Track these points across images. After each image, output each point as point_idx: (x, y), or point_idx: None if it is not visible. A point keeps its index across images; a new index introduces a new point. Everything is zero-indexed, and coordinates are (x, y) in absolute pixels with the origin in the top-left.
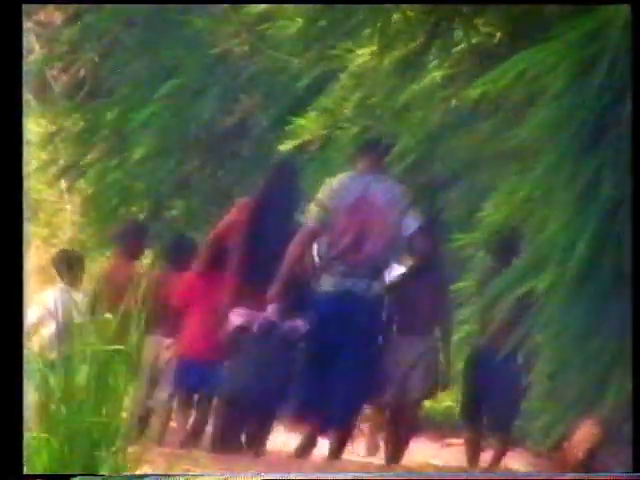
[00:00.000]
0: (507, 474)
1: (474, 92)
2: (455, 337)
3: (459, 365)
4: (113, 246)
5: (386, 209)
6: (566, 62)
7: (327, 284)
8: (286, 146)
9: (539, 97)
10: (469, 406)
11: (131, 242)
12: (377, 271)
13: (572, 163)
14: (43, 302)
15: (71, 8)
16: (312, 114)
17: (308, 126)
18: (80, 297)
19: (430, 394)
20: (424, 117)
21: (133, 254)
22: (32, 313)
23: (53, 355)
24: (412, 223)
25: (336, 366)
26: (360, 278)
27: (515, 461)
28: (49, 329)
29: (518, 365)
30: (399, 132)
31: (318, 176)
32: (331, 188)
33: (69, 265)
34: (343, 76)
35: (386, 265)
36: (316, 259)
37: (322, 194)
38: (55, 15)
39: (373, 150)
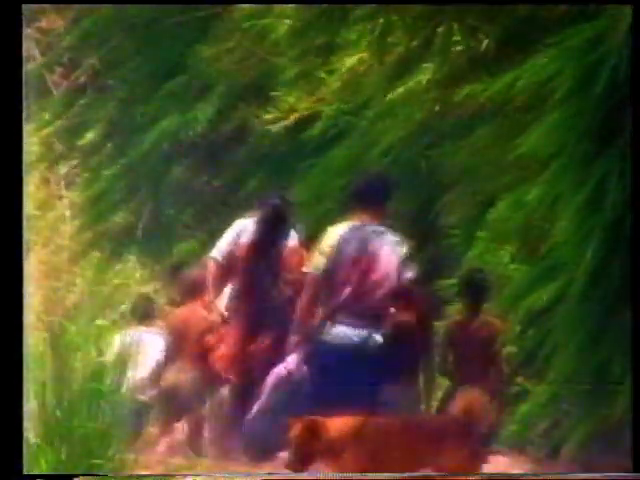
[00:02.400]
0: (507, 475)
1: (476, 96)
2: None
3: None
4: (184, 294)
5: (385, 260)
6: (569, 69)
7: (329, 334)
8: (270, 115)
9: (543, 104)
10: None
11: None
12: (377, 321)
13: (578, 171)
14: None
15: (71, 14)
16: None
17: (293, 102)
18: (154, 337)
19: None
20: (420, 117)
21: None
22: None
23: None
24: (407, 274)
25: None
26: (361, 328)
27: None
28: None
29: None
30: (388, 129)
31: (318, 180)
32: (333, 238)
33: (146, 311)
34: (334, 74)
35: (387, 314)
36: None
37: (325, 244)
38: (56, 22)
39: (372, 202)
